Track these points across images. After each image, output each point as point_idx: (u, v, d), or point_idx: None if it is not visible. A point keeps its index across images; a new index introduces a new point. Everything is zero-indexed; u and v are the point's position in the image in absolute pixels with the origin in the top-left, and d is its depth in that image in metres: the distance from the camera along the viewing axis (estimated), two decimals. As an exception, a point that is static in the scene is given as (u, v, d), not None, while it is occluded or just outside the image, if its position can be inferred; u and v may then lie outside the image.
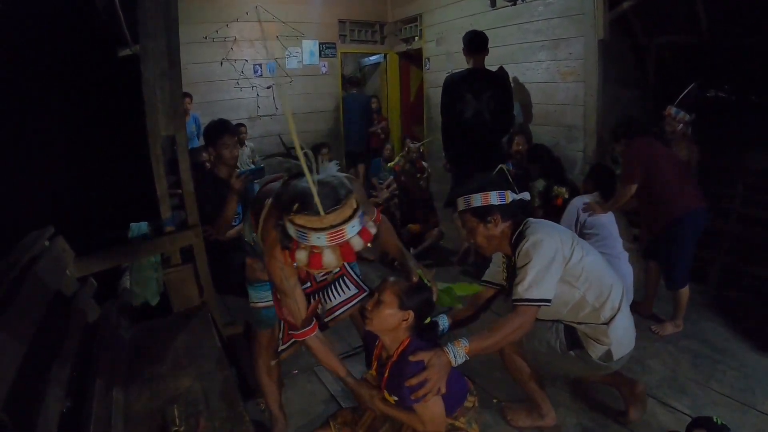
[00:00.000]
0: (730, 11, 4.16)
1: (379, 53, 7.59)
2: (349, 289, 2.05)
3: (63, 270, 2.00)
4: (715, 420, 1.76)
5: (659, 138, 3.44)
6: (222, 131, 2.78)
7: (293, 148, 1.53)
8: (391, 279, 1.67)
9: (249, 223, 1.91)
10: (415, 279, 1.70)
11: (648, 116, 4.41)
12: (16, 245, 1.87)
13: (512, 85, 4.85)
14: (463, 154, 4.01)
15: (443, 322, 1.98)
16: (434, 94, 6.24)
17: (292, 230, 1.36)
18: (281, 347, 1.92)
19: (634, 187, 2.92)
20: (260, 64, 6.34)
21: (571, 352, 2.00)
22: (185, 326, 2.21)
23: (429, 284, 1.73)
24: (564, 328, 2.01)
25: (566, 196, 3.53)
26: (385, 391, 1.67)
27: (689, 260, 2.95)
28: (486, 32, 4.06)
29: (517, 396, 2.34)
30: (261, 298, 2.03)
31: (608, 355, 1.94)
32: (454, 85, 3.90)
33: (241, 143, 5.24)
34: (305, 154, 1.31)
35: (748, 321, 3.05)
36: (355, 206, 1.37)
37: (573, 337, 1.99)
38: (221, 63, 6.04)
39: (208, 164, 3.08)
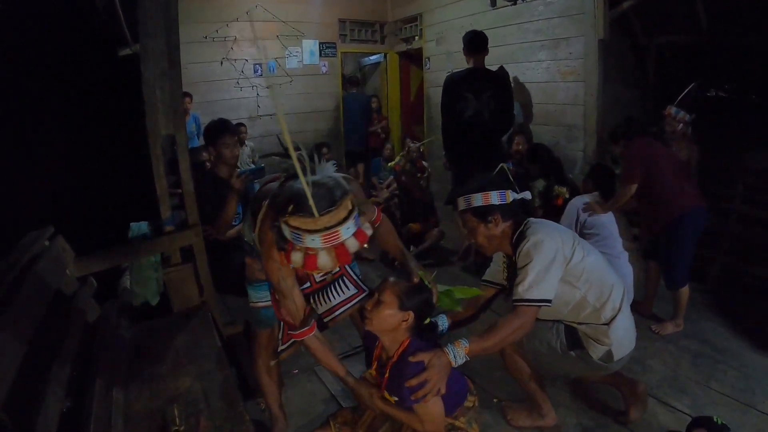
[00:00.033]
0: (730, 11, 4.16)
1: (379, 53, 7.59)
2: (349, 289, 2.04)
3: (63, 270, 2.00)
4: (715, 420, 1.76)
5: (659, 138, 3.44)
6: (222, 131, 2.78)
7: (295, 147, 1.53)
8: (392, 279, 1.67)
9: (248, 223, 1.91)
10: (415, 280, 1.70)
11: (648, 116, 4.41)
12: (16, 245, 1.87)
13: (512, 84, 4.86)
14: (463, 153, 4.00)
15: (443, 322, 1.98)
16: (434, 94, 6.24)
17: (287, 232, 1.36)
18: (281, 347, 1.92)
19: (634, 187, 2.92)
20: (260, 64, 6.34)
21: (572, 353, 2.00)
22: (185, 326, 2.21)
23: (429, 285, 1.73)
24: (565, 329, 2.01)
25: (567, 195, 3.53)
26: (386, 392, 1.67)
27: (689, 260, 2.95)
28: (486, 32, 4.06)
29: (518, 396, 2.34)
30: (261, 298, 2.04)
31: (609, 355, 1.94)
32: (454, 84, 3.90)
33: (241, 143, 5.24)
34: (299, 156, 1.31)
35: (749, 321, 3.05)
36: (350, 207, 1.36)
37: (574, 338, 1.99)
38: (221, 62, 6.04)
39: (208, 164, 3.07)
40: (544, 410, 2.20)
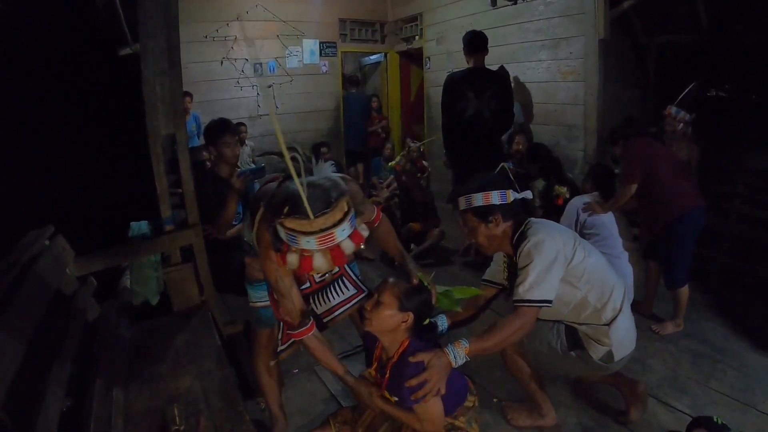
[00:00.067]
0: (731, 10, 4.16)
1: (379, 52, 7.58)
2: (348, 289, 2.04)
3: (63, 269, 2.00)
4: (715, 420, 1.76)
5: (659, 138, 3.44)
6: (223, 130, 2.78)
7: (290, 147, 1.53)
8: (391, 280, 1.67)
9: (248, 222, 1.91)
10: (415, 281, 1.70)
11: (648, 116, 4.41)
12: (16, 244, 1.87)
13: (513, 84, 4.86)
14: (463, 153, 4.01)
15: (442, 322, 1.98)
16: (435, 94, 6.23)
17: (282, 233, 1.36)
18: (280, 347, 1.92)
19: (634, 187, 2.92)
20: (260, 63, 6.34)
21: (572, 353, 2.00)
22: (185, 325, 2.21)
23: (428, 286, 1.73)
24: (565, 329, 2.01)
25: (567, 195, 3.54)
26: (386, 392, 1.67)
27: (689, 259, 2.95)
28: (486, 31, 4.06)
29: (518, 395, 2.34)
30: (260, 298, 2.04)
31: (609, 356, 1.94)
32: (455, 84, 3.90)
33: (242, 142, 5.24)
34: (293, 157, 1.31)
35: (749, 321, 3.06)
36: (346, 209, 1.36)
37: (574, 338, 1.99)
38: (221, 62, 6.03)
39: (208, 163, 3.07)
40: (544, 410, 2.20)
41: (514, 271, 1.93)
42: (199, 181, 2.46)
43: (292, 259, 1.39)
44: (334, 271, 2.00)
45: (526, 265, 1.80)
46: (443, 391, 1.59)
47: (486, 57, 3.98)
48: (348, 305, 2.03)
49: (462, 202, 1.94)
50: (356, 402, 1.84)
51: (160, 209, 2.30)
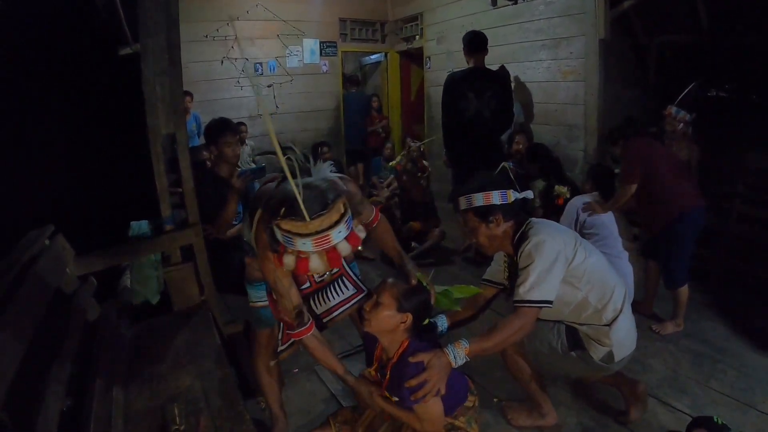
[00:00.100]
0: (731, 10, 4.16)
1: (379, 52, 7.58)
2: (348, 289, 2.04)
3: (63, 268, 1.99)
4: (715, 420, 1.76)
5: (659, 137, 3.44)
6: (224, 129, 2.78)
7: (287, 147, 1.52)
8: (390, 281, 1.67)
9: (247, 222, 1.91)
10: (413, 282, 1.70)
11: (649, 115, 4.40)
12: (16, 244, 1.87)
13: (513, 84, 4.87)
14: (463, 153, 4.01)
15: (442, 322, 1.98)
16: (435, 93, 6.24)
17: (279, 235, 1.36)
18: (280, 347, 1.92)
19: (633, 187, 2.92)
20: (261, 63, 6.34)
21: (573, 353, 2.00)
22: (185, 325, 2.21)
23: (427, 286, 1.73)
24: (566, 329, 2.01)
25: (567, 195, 3.54)
26: (386, 392, 1.67)
27: (688, 259, 2.95)
28: (487, 31, 4.07)
29: (518, 395, 2.34)
30: (260, 298, 2.03)
31: (610, 356, 1.94)
32: (455, 83, 3.90)
33: (242, 142, 5.24)
34: (287, 159, 1.30)
35: (749, 321, 3.06)
36: (342, 211, 1.36)
37: (575, 338, 1.99)
38: (222, 61, 6.03)
39: (208, 163, 3.07)
40: (544, 410, 2.20)
41: (514, 271, 1.93)
42: (199, 180, 2.46)
43: (289, 260, 1.39)
44: (333, 271, 2.00)
45: (527, 266, 1.79)
46: (443, 392, 1.59)
47: (486, 57, 3.98)
48: (347, 305, 2.03)
49: (463, 202, 1.94)
50: (356, 402, 1.84)
51: (160, 209, 2.30)
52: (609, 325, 1.91)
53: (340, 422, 1.82)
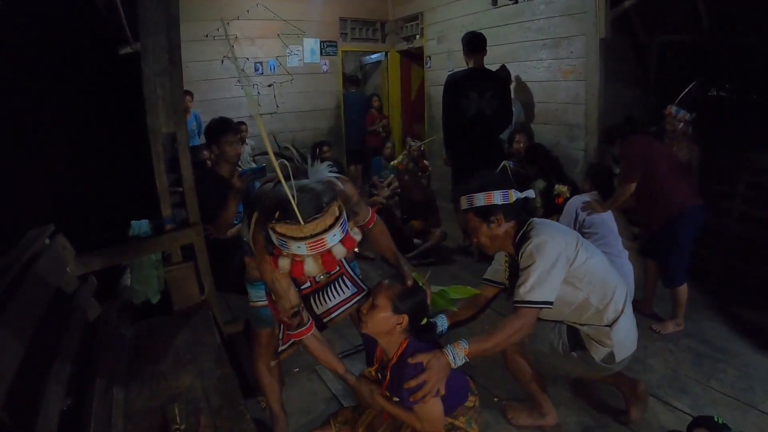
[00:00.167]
0: (732, 10, 4.16)
1: (380, 51, 7.58)
2: (348, 288, 2.03)
3: (63, 268, 1.99)
4: (715, 419, 1.75)
5: (659, 137, 3.44)
6: (225, 129, 2.78)
7: (285, 147, 1.52)
8: (385, 282, 1.67)
9: (246, 223, 1.91)
10: (409, 282, 1.69)
11: (649, 115, 4.41)
12: (17, 244, 1.86)
13: (514, 83, 4.87)
14: (464, 152, 4.02)
15: (442, 322, 1.98)
16: (435, 93, 6.24)
17: (274, 238, 1.35)
18: (281, 347, 1.91)
19: (633, 186, 2.91)
20: (261, 62, 6.34)
21: (574, 354, 1.99)
22: (186, 324, 2.20)
23: (423, 287, 1.73)
24: (567, 329, 2.01)
25: (567, 195, 3.54)
26: (387, 393, 1.67)
27: (686, 258, 2.95)
28: (487, 31, 4.07)
29: (518, 395, 2.34)
30: (260, 297, 2.03)
31: (610, 357, 1.94)
32: (456, 83, 3.91)
33: (242, 141, 5.24)
34: (288, 158, 1.30)
35: (749, 320, 3.06)
36: (337, 214, 1.35)
37: (576, 339, 1.99)
38: (222, 61, 6.03)
39: (208, 162, 3.07)
40: (544, 409, 2.20)
41: (515, 271, 1.92)
42: (199, 180, 2.46)
43: (284, 263, 1.38)
44: (334, 271, 2.00)
45: (528, 266, 1.79)
46: (443, 392, 1.59)
47: (487, 56, 3.99)
48: (347, 305, 2.03)
49: (464, 202, 1.93)
50: (357, 401, 1.84)
51: (160, 208, 2.30)
52: (610, 325, 1.90)
53: (341, 422, 1.82)
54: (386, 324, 1.61)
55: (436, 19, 6.27)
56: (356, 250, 1.42)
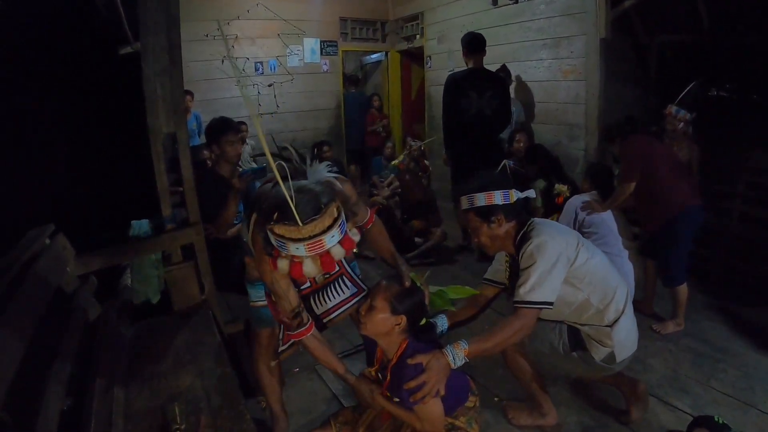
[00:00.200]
0: (732, 10, 4.16)
1: (380, 51, 7.58)
2: (348, 288, 2.03)
3: (63, 268, 1.99)
4: (716, 419, 1.76)
5: (659, 137, 3.44)
6: (226, 128, 2.78)
7: (284, 147, 1.52)
8: (383, 284, 1.67)
9: (246, 223, 1.91)
10: (407, 283, 1.69)
11: (649, 115, 4.41)
12: (17, 243, 1.86)
13: (514, 83, 4.87)
14: (464, 152, 4.03)
15: (442, 323, 1.97)
16: (436, 93, 6.24)
17: (272, 239, 1.35)
18: (281, 348, 1.91)
19: (632, 185, 2.92)
20: (261, 62, 6.34)
21: (574, 354, 1.99)
22: (186, 324, 2.20)
23: (421, 287, 1.73)
24: (567, 330, 2.00)
25: (567, 194, 3.53)
26: (388, 393, 1.67)
27: (686, 258, 2.95)
28: (487, 30, 4.08)
29: (519, 394, 2.34)
30: (261, 297, 2.03)
31: (611, 357, 1.94)
32: (456, 83, 3.92)
33: (243, 141, 5.23)
34: (286, 158, 1.30)
35: (749, 320, 3.06)
36: (335, 215, 1.35)
37: (576, 339, 1.99)
38: (222, 61, 6.03)
39: (209, 162, 3.07)
40: (545, 409, 2.19)
41: (515, 271, 1.92)
42: (199, 180, 2.46)
43: (283, 264, 1.38)
44: (333, 271, 2.00)
45: (529, 267, 1.79)
46: (442, 393, 1.58)
47: (487, 56, 4.00)
48: (347, 305, 2.03)
49: (464, 202, 1.93)
50: (357, 402, 1.84)
51: (161, 208, 2.30)
52: (611, 325, 1.90)
53: (341, 422, 1.82)
54: (385, 325, 1.61)
55: (436, 18, 6.27)
56: (355, 250, 1.42)
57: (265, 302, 2.00)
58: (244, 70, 6.17)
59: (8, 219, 2.54)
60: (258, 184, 2.49)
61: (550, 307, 1.79)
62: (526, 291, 1.77)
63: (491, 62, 4.12)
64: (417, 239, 4.48)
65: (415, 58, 7.40)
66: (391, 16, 7.26)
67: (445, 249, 4.62)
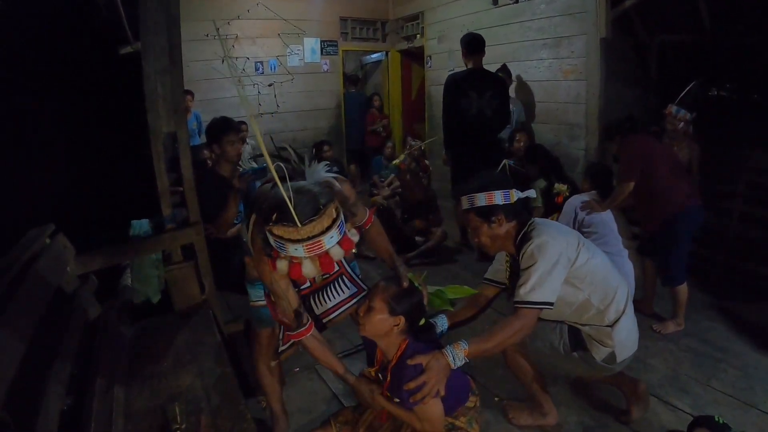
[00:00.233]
0: (732, 10, 4.15)
1: (380, 51, 7.58)
2: (348, 288, 2.03)
3: (64, 267, 1.99)
4: (716, 419, 1.75)
5: (660, 136, 3.44)
6: (226, 128, 2.78)
7: (283, 148, 1.52)
8: (381, 284, 1.67)
9: (246, 223, 1.91)
10: (405, 284, 1.69)
11: (650, 114, 4.41)
12: (17, 243, 1.86)
13: (514, 83, 4.87)
14: (464, 152, 4.03)
15: (442, 323, 1.97)
16: (436, 92, 6.24)
17: (271, 240, 1.35)
18: (281, 348, 1.91)
19: (632, 185, 2.91)
20: (262, 62, 6.34)
21: (575, 354, 1.99)
22: (186, 324, 2.20)
23: (419, 287, 1.73)
24: (568, 330, 2.00)
25: (567, 194, 3.53)
26: (388, 394, 1.67)
27: (685, 257, 2.95)
28: (488, 30, 4.09)
29: (519, 394, 2.34)
30: (260, 297, 2.03)
31: (612, 357, 1.94)
32: (456, 83, 3.93)
33: (243, 141, 5.23)
34: (285, 159, 1.30)
35: (750, 320, 3.05)
36: (334, 216, 1.35)
37: (577, 339, 1.98)
38: (222, 61, 6.03)
39: (209, 162, 3.07)
40: (545, 409, 2.19)
41: (516, 271, 1.91)
42: (200, 180, 2.46)
43: (282, 265, 1.38)
44: (333, 271, 2.00)
45: (529, 267, 1.78)
46: (442, 393, 1.58)
47: (487, 56, 4.01)
48: (347, 305, 2.03)
49: (465, 202, 1.92)
50: (357, 401, 1.84)
51: (161, 207, 2.30)
52: (611, 326, 1.90)
53: (341, 422, 1.82)
54: (383, 326, 1.61)
55: (436, 18, 6.27)
56: (355, 250, 1.42)
57: (265, 302, 2.00)
58: (244, 69, 6.17)
59: (8, 219, 2.54)
60: (258, 184, 2.49)
61: (551, 307, 1.79)
62: (527, 291, 1.77)
63: (491, 62, 4.12)
64: (417, 239, 4.48)
65: (415, 57, 7.40)
66: (391, 16, 7.26)
67: (446, 249, 4.62)
